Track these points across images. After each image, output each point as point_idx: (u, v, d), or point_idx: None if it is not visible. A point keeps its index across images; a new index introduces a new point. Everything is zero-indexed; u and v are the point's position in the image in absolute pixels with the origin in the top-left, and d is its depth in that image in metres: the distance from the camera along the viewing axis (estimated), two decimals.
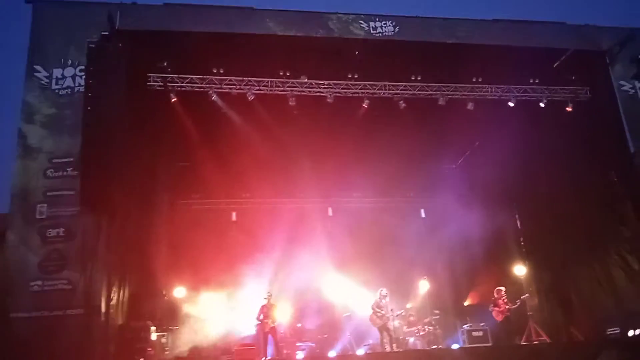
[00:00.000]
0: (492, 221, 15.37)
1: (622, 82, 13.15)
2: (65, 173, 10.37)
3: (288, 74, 12.58)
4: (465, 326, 13.32)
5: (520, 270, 15.55)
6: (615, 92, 13.05)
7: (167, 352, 12.09)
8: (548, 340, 12.63)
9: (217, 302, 13.91)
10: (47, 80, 10.86)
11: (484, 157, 16.00)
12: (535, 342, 12.36)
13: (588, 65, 13.55)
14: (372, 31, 12.19)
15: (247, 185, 15.83)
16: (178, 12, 11.62)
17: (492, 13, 13.60)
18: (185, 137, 13.48)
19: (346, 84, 12.92)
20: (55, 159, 10.45)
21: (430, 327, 13.42)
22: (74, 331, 9.46)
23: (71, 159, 10.36)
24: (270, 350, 11.55)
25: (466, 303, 16.52)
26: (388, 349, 11.95)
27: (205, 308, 13.57)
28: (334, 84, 12.84)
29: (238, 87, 12.44)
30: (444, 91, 13.17)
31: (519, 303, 12.97)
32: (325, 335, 13.91)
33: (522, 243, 16.67)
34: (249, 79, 12.45)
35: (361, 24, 12.20)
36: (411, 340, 13.20)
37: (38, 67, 10.89)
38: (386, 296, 12.42)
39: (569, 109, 13.52)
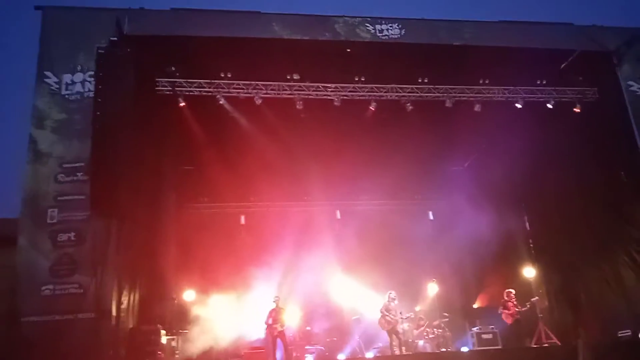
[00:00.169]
0: (500, 223, 15.32)
1: (630, 82, 13.07)
2: (75, 178, 10.44)
3: (295, 78, 12.62)
4: (474, 329, 13.26)
5: (529, 272, 15.46)
6: (624, 92, 12.98)
7: (177, 356, 12.14)
8: (558, 343, 12.54)
9: (226, 305, 13.94)
10: (57, 86, 10.95)
11: (492, 159, 15.97)
12: (546, 345, 12.27)
13: (595, 66, 13.50)
14: (378, 34, 12.19)
15: (256, 189, 15.88)
16: (185, 17, 11.71)
17: (498, 15, 13.57)
18: (193, 141, 13.56)
19: (353, 87, 12.95)
20: (65, 163, 10.52)
21: (440, 330, 13.39)
22: (85, 335, 9.50)
23: (81, 164, 10.42)
24: (279, 354, 11.56)
25: (475, 305, 16.47)
26: (397, 352, 11.90)
27: (214, 311, 13.59)
28: (341, 87, 12.88)
29: (245, 91, 12.50)
30: (451, 93, 13.17)
31: (528, 305, 12.90)
32: (334, 339, 13.91)
33: (531, 244, 16.60)
34: (256, 82, 12.51)
35: (367, 27, 12.20)
36: (420, 343, 13.18)
37: (48, 73, 10.98)
38: (395, 299, 12.38)
39: (576, 110, 13.48)
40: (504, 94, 13.43)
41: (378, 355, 12.67)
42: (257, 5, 12.04)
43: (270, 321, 11.71)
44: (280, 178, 15.09)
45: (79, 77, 11.02)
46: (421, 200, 18.02)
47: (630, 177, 12.85)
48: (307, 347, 13.20)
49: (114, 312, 10.05)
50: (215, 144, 13.81)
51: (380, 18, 12.33)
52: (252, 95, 12.48)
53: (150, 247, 12.33)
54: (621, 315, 12.76)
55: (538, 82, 13.62)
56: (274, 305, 11.94)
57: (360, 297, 14.69)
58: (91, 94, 10.68)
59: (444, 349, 12.88)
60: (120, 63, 10.58)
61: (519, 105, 13.39)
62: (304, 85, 12.71)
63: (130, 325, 10.92)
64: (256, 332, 13.11)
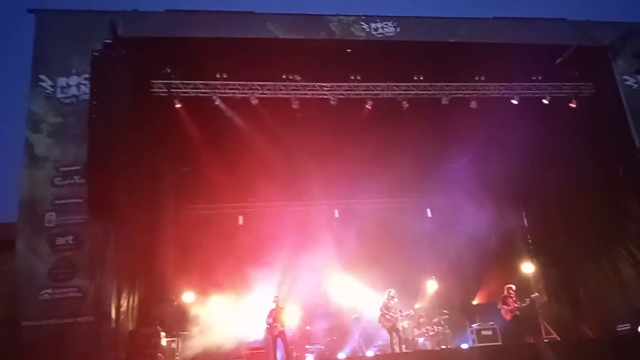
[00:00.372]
0: (498, 219, 15.34)
1: (625, 77, 13.10)
2: (72, 181, 10.43)
3: (291, 77, 12.62)
4: (474, 325, 13.26)
5: (528, 268, 15.50)
6: (619, 87, 13.01)
7: (177, 357, 12.14)
8: (558, 339, 12.58)
9: (226, 306, 13.94)
10: (52, 90, 10.94)
11: (489, 155, 16.00)
12: (545, 341, 12.29)
13: (590, 61, 13.53)
14: (373, 32, 12.21)
15: (253, 189, 15.86)
16: (180, 18, 11.72)
17: (493, 11, 13.59)
18: (190, 143, 13.55)
19: (349, 86, 12.95)
20: (62, 167, 10.51)
21: (440, 327, 13.40)
22: (85, 338, 9.51)
23: (78, 167, 10.42)
24: (279, 353, 11.56)
25: (475, 302, 16.50)
26: (397, 350, 11.91)
27: (214, 312, 13.60)
28: (337, 86, 12.87)
29: (241, 91, 12.48)
30: (447, 90, 13.18)
31: (528, 301, 12.91)
32: (334, 338, 13.91)
33: (530, 240, 16.64)
34: (252, 83, 12.50)
35: (362, 25, 12.22)
36: (420, 340, 13.20)
37: (43, 77, 10.97)
38: (394, 297, 12.38)
39: (572, 105, 13.50)
40: (500, 90, 13.43)
41: (378, 353, 12.68)
42: (251, 5, 12.03)
43: (270, 321, 11.71)
44: (277, 178, 15.07)
45: (74, 80, 11.01)
46: (419, 197, 18.03)
47: (627, 172, 12.88)
48: (307, 346, 13.20)
49: (113, 315, 10.05)
50: (212, 144, 13.79)
51: (375, 16, 12.35)
52: (248, 95, 12.47)
53: (149, 249, 12.32)
54: (620, 310, 12.81)
55: (534, 78, 13.62)
56: (274, 305, 11.93)
57: (359, 295, 14.70)
58: (86, 97, 10.68)
59: (443, 346, 12.90)
60: (115, 65, 10.57)
61: (514, 102, 13.41)
62: (300, 85, 12.70)
63: (130, 328, 10.91)
64: (256, 332, 13.11)
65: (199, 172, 14.99)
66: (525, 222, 16.84)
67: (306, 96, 12.73)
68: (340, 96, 12.86)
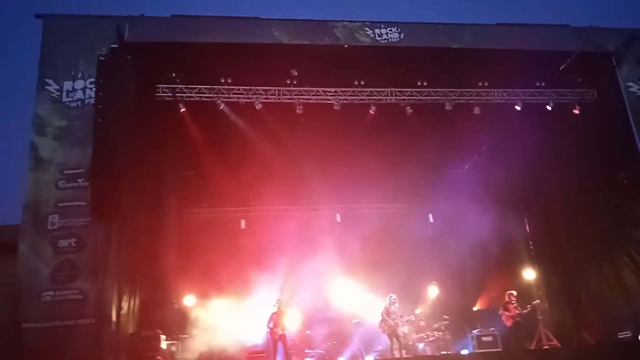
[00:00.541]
0: (500, 225, 15.35)
1: (629, 84, 13.08)
2: (76, 184, 10.48)
3: (295, 82, 12.67)
4: (474, 331, 13.26)
5: (529, 273, 15.47)
6: (623, 93, 12.99)
7: None
8: (558, 345, 12.55)
9: (227, 309, 13.94)
10: (58, 93, 11.00)
11: (492, 161, 16.01)
12: (546, 347, 12.28)
13: (594, 67, 13.53)
14: (377, 38, 12.23)
15: (256, 193, 15.92)
16: (185, 23, 11.77)
17: (496, 17, 13.61)
18: (194, 147, 13.60)
19: (353, 91, 12.97)
20: (66, 170, 10.56)
21: (440, 333, 13.38)
22: (85, 341, 9.53)
23: (82, 170, 10.47)
24: (280, 357, 11.59)
25: (475, 308, 16.47)
26: (397, 355, 11.92)
27: (215, 316, 13.60)
28: (341, 91, 12.89)
29: (246, 96, 12.53)
30: (451, 96, 13.19)
31: (529, 308, 12.90)
32: (335, 342, 13.91)
33: (531, 246, 16.62)
34: (257, 88, 12.53)
35: (367, 31, 12.25)
36: (421, 346, 13.18)
37: (49, 81, 11.03)
38: (395, 302, 12.39)
39: (576, 111, 13.50)
40: (503, 96, 13.44)
41: (378, 358, 12.68)
42: (256, 11, 12.11)
43: (271, 325, 11.75)
44: (280, 182, 15.10)
45: (79, 84, 11.08)
46: (421, 203, 18.02)
47: (629, 178, 12.86)
48: (307, 350, 13.20)
49: (114, 318, 10.06)
50: (215, 148, 13.85)
51: (380, 22, 12.38)
52: (252, 100, 12.51)
53: (151, 252, 12.35)
54: (622, 316, 12.76)
55: (537, 84, 13.63)
56: (275, 309, 11.98)
57: (360, 300, 14.69)
58: (92, 101, 10.74)
59: (444, 352, 12.87)
60: (120, 70, 10.65)
61: (518, 108, 13.41)
62: (303, 90, 12.73)
63: (131, 331, 10.93)
64: (257, 336, 13.13)
65: (202, 176, 15.05)
66: (527, 228, 16.82)
67: (310, 101, 12.77)
68: (344, 101, 12.89)
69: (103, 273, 10.01)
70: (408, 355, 12.24)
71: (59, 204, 10.37)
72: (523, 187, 16.25)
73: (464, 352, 12.88)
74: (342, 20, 12.30)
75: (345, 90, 12.93)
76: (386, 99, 13.14)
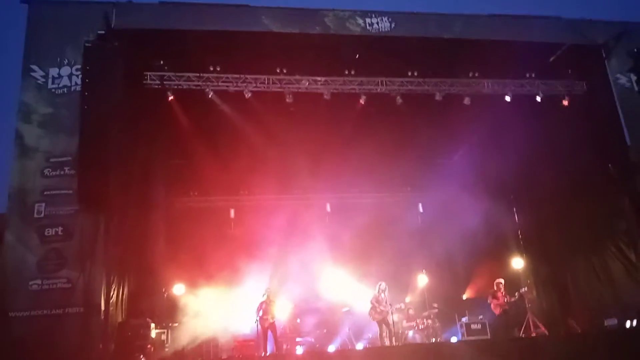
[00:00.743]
0: (489, 215, 15.42)
1: (618, 76, 13.16)
2: (62, 172, 10.38)
3: (285, 71, 12.58)
4: (463, 319, 13.38)
5: (518, 263, 15.62)
6: (612, 85, 13.07)
7: (166, 349, 12.13)
8: (546, 333, 12.71)
9: (216, 298, 13.92)
10: (44, 80, 10.85)
11: (481, 152, 16.05)
12: (534, 335, 12.42)
13: (584, 60, 13.58)
14: (368, 27, 12.18)
15: (245, 182, 15.86)
16: (173, 10, 11.60)
17: (488, 8, 13.57)
18: (182, 135, 13.49)
19: (343, 81, 12.94)
20: (52, 158, 10.45)
21: (429, 321, 13.48)
22: (74, 329, 9.52)
23: (68, 158, 10.37)
24: (269, 346, 11.61)
25: (464, 296, 16.61)
26: (387, 343, 11.99)
27: (204, 304, 13.58)
28: (331, 81, 12.86)
29: (235, 84, 12.45)
30: (441, 86, 13.20)
31: (517, 296, 13.03)
32: (325, 331, 13.95)
33: (520, 236, 16.74)
34: (246, 76, 12.47)
35: (357, 20, 12.19)
36: (410, 334, 13.28)
37: (34, 67, 10.87)
38: (385, 290, 12.44)
39: (565, 103, 13.55)
40: (493, 87, 13.48)
41: (368, 346, 12.76)
42: None
43: (260, 313, 11.76)
44: (270, 171, 15.02)
45: (65, 70, 10.93)
46: (411, 192, 18.07)
47: (617, 169, 12.96)
48: (297, 339, 13.24)
49: (102, 307, 10.01)
50: (204, 137, 13.74)
51: (370, 11, 12.33)
52: (241, 88, 12.44)
53: (140, 240, 12.30)
54: (608, 305, 12.97)
55: (527, 76, 13.68)
56: (264, 298, 11.98)
57: (350, 289, 14.75)
58: (78, 88, 10.64)
59: (433, 340, 12.99)
60: (107, 57, 10.52)
61: (507, 98, 13.45)
62: (293, 79, 12.68)
63: (120, 319, 10.91)
64: (246, 324, 13.13)
65: (191, 165, 14.94)
66: (516, 218, 16.94)
67: (300, 90, 12.71)
68: (334, 91, 12.85)
69: (91, 262, 9.95)
70: (398, 343, 12.33)
71: (45, 192, 10.27)
72: (512, 177, 16.34)
73: (453, 339, 13.00)
74: (333, 9, 12.23)
75: (336, 80, 12.89)
76: (376, 89, 13.11)
